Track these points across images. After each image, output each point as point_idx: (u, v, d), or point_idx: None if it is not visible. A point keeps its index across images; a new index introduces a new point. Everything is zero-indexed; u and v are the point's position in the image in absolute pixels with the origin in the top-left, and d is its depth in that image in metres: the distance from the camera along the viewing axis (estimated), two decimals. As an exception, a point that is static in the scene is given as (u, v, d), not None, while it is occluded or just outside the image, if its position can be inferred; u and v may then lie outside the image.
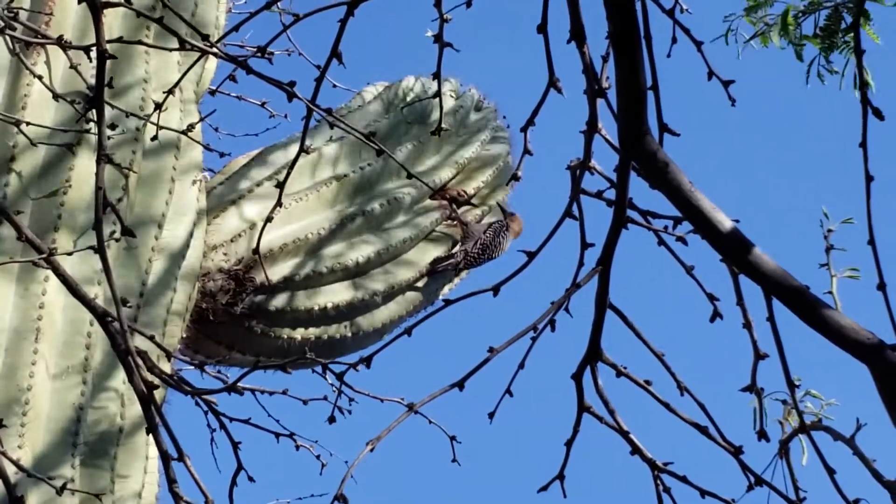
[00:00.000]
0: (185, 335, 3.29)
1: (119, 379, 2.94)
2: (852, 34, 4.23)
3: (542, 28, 2.30)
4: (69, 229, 2.98)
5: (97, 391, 2.95)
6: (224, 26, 3.47)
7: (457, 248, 3.81)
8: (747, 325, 2.51)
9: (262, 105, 4.09)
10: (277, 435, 3.50)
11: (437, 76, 2.56)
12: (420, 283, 3.77)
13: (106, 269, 2.25)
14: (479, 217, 3.93)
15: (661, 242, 2.56)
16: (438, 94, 2.68)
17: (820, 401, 3.32)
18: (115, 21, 3.15)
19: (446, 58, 2.52)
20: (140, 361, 2.25)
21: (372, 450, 2.32)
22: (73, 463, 2.86)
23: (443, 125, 2.72)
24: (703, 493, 2.45)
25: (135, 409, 2.92)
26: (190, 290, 3.27)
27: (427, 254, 3.77)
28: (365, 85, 3.99)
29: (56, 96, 2.70)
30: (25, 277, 2.92)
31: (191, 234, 3.25)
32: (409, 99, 3.89)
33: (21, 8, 3.02)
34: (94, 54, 2.20)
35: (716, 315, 2.57)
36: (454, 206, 3.84)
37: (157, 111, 2.46)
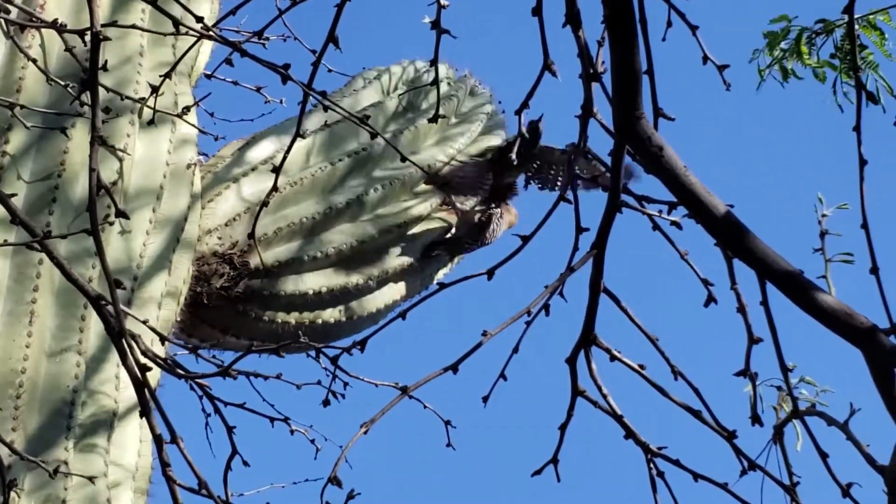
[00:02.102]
0: (179, 318, 3.29)
1: (113, 362, 2.94)
2: (867, 49, 4.26)
3: (538, 11, 2.30)
4: (63, 211, 2.97)
5: (91, 374, 2.94)
6: (220, 11, 3.47)
7: (451, 234, 3.82)
8: (741, 310, 2.51)
9: (258, 90, 4.07)
10: (272, 419, 3.51)
11: (433, 63, 2.55)
12: (414, 268, 3.77)
13: (100, 251, 2.25)
14: (473, 203, 3.92)
15: (656, 227, 2.57)
16: (436, 80, 2.68)
17: (814, 387, 3.33)
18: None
19: (442, 42, 2.52)
20: (134, 344, 2.25)
21: (366, 432, 2.32)
22: (66, 446, 2.86)
23: (441, 112, 2.71)
24: (697, 476, 2.46)
25: (129, 393, 2.92)
26: (187, 266, 3.27)
27: (422, 239, 3.77)
28: (360, 70, 3.99)
29: (50, 79, 2.70)
30: (20, 260, 2.92)
31: (188, 206, 3.25)
32: (403, 85, 3.89)
33: (15, -10, 3.01)
34: (88, 37, 2.20)
35: (710, 300, 2.57)
36: (449, 191, 3.83)
37: (154, 95, 2.45)
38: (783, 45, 4.31)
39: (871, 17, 4.07)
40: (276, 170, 2.67)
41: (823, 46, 4.31)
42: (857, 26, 4.12)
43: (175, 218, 3.22)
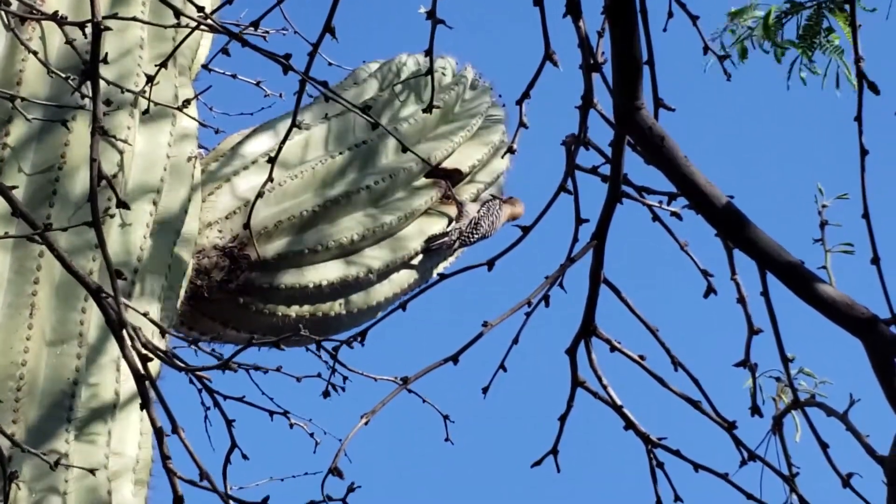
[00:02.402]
0: (179, 311, 3.30)
1: (114, 354, 2.94)
2: (833, 33, 4.25)
3: (539, 1, 2.30)
4: (64, 203, 2.97)
5: (92, 366, 2.95)
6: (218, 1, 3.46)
7: (451, 227, 3.82)
8: (741, 301, 2.51)
9: (257, 84, 4.07)
10: (271, 413, 3.51)
11: (429, 53, 2.55)
12: (415, 261, 3.78)
13: (101, 242, 2.25)
14: (474, 195, 3.93)
15: (656, 218, 2.56)
16: (430, 71, 2.67)
17: (813, 379, 3.33)
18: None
19: (442, 34, 2.51)
20: (134, 336, 2.25)
21: (367, 423, 2.32)
22: (67, 438, 2.86)
23: (438, 103, 2.71)
24: (697, 467, 2.46)
25: (129, 385, 2.92)
26: (187, 259, 3.27)
27: (422, 232, 3.78)
28: (360, 64, 3.99)
29: (51, 72, 2.70)
30: (21, 253, 2.92)
31: (188, 199, 3.25)
32: (403, 78, 3.89)
33: (16, -17, 3.01)
34: (88, 29, 2.20)
35: (710, 290, 2.57)
36: (449, 185, 3.84)
37: (150, 84, 2.45)
38: (750, 23, 4.31)
39: None
40: (272, 160, 2.66)
41: (787, 26, 4.31)
42: (824, 10, 4.12)
43: (175, 211, 3.22)
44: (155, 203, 3.16)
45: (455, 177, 3.89)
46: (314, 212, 3.58)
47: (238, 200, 3.52)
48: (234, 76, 4.17)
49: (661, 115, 2.37)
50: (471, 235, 3.80)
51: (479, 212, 3.83)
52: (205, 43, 3.49)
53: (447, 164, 3.87)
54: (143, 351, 2.26)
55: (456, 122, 3.94)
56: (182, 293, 3.31)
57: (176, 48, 2.52)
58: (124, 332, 2.20)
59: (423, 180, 3.80)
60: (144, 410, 2.20)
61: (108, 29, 2.16)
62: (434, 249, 3.79)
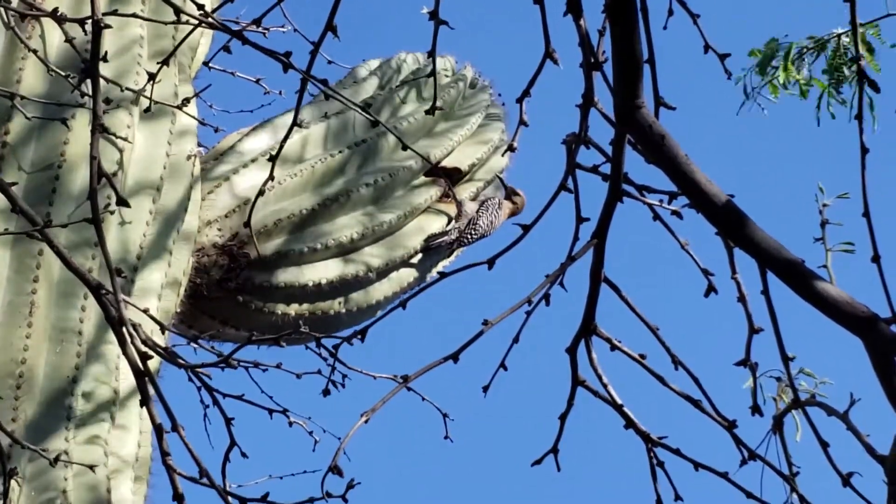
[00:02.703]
0: (178, 310, 3.29)
1: (113, 352, 2.94)
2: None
3: (539, -1, 2.29)
4: (63, 201, 2.97)
5: (91, 363, 2.94)
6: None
7: (451, 226, 3.82)
8: (742, 299, 2.51)
9: (257, 81, 4.07)
10: (271, 411, 3.50)
11: (431, 54, 2.55)
12: (414, 260, 3.77)
13: (101, 240, 2.25)
14: (473, 194, 3.93)
15: (656, 216, 2.56)
16: (433, 72, 2.67)
17: (814, 378, 3.33)
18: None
19: (442, 33, 2.51)
20: (134, 333, 2.25)
21: (366, 421, 2.31)
22: (67, 435, 2.86)
23: (438, 103, 2.71)
24: (697, 466, 2.46)
25: (129, 382, 2.91)
26: (187, 257, 3.27)
27: (421, 230, 3.77)
28: (360, 62, 3.99)
29: (50, 70, 2.69)
30: (20, 251, 2.92)
31: (188, 197, 3.24)
32: (403, 76, 3.89)
33: (16, -19, 3.01)
34: (88, 26, 2.20)
35: (710, 289, 2.57)
36: (448, 183, 3.84)
37: (151, 82, 2.45)
38: (773, 63, 4.34)
39: (861, 32, 4.08)
40: (273, 159, 2.66)
41: (815, 63, 4.34)
42: (845, 39, 4.13)
43: (175, 209, 3.22)
44: (154, 200, 3.16)
45: (454, 175, 3.89)
46: (313, 210, 3.58)
47: (237, 199, 3.51)
48: (233, 74, 4.16)
49: (662, 114, 2.37)
50: (470, 235, 3.80)
51: (478, 211, 3.83)
52: (204, 41, 3.49)
53: (447, 163, 3.87)
54: (143, 348, 2.26)
55: (455, 120, 3.94)
56: (182, 290, 3.30)
57: (177, 47, 2.52)
58: (124, 329, 2.20)
59: (422, 178, 3.80)
60: (144, 407, 2.20)
61: (108, 27, 2.16)
62: (433, 248, 3.78)
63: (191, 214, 3.30)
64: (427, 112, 2.73)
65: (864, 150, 2.22)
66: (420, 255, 3.79)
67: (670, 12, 2.48)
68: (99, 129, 2.19)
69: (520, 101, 2.40)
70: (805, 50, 4.32)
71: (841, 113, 4.36)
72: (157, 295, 3.16)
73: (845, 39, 4.27)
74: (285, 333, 2.52)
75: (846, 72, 4.25)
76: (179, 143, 3.26)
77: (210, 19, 2.32)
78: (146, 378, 2.19)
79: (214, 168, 3.58)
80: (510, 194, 3.94)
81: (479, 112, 3.98)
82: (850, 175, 2.33)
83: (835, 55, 4.27)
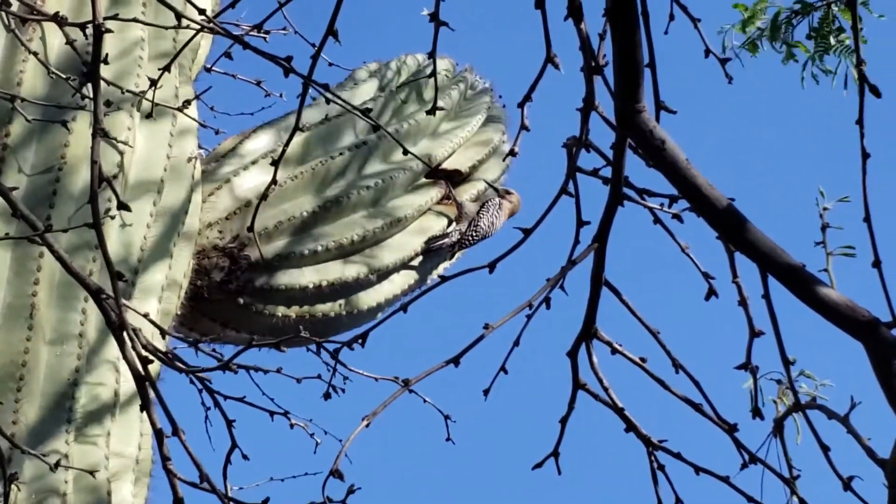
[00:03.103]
0: (179, 312, 3.29)
1: (114, 355, 2.94)
2: (844, 33, 4.25)
3: (541, 4, 2.29)
4: (64, 203, 2.97)
5: (92, 366, 2.95)
6: (220, 4, 3.46)
7: (451, 228, 3.82)
8: (743, 303, 2.50)
9: (258, 84, 4.06)
10: (272, 413, 3.50)
11: (431, 55, 2.54)
12: (415, 262, 3.77)
13: (102, 245, 2.25)
14: (473, 196, 3.93)
15: (657, 220, 2.55)
16: (433, 73, 2.67)
17: (814, 381, 3.33)
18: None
19: (443, 35, 2.51)
20: (134, 337, 2.25)
21: (367, 425, 2.31)
22: (67, 439, 2.86)
23: (440, 105, 2.71)
24: (698, 470, 2.45)
25: (130, 385, 2.91)
26: (187, 258, 3.27)
27: (422, 233, 3.77)
28: (361, 64, 3.99)
29: (51, 72, 2.69)
30: (20, 253, 2.92)
31: (189, 198, 3.24)
32: (403, 78, 3.89)
33: (17, -17, 3.01)
34: (90, 30, 2.20)
35: (711, 293, 2.56)
36: (449, 185, 3.83)
37: (153, 88, 2.45)
38: (760, 24, 4.31)
39: None
40: (276, 163, 2.66)
41: (798, 28, 4.31)
42: (835, 8, 4.12)
43: (176, 211, 3.22)
44: (155, 203, 3.16)
45: (455, 177, 3.89)
46: (314, 213, 3.58)
47: (238, 201, 3.51)
48: (234, 76, 4.15)
49: (663, 118, 2.37)
50: (471, 236, 3.80)
51: (478, 212, 3.83)
52: (205, 42, 3.49)
53: (447, 165, 3.87)
54: (144, 353, 2.26)
55: (456, 122, 3.94)
56: (183, 291, 3.30)
57: (177, 54, 2.52)
58: (125, 333, 2.20)
59: (423, 181, 3.80)
60: (144, 412, 2.20)
61: (108, 31, 2.16)
62: (434, 250, 3.78)
63: (191, 216, 3.30)
64: (428, 112, 2.73)
65: (866, 155, 2.22)
66: (421, 258, 3.79)
67: (671, 17, 2.48)
68: (100, 132, 2.18)
69: (521, 105, 2.39)
70: (793, 15, 4.30)
71: (821, 84, 4.33)
72: (158, 296, 3.16)
73: (834, 8, 4.24)
74: (286, 338, 2.52)
75: (832, 40, 4.23)
76: (180, 144, 3.27)
77: (211, 24, 2.32)
78: (146, 383, 2.19)
79: (215, 170, 3.58)
80: (503, 195, 3.94)
81: (480, 114, 3.98)
82: (850, 178, 2.33)
83: (822, 23, 4.24)
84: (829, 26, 4.24)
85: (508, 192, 3.94)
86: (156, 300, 3.15)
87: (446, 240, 3.79)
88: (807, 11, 4.27)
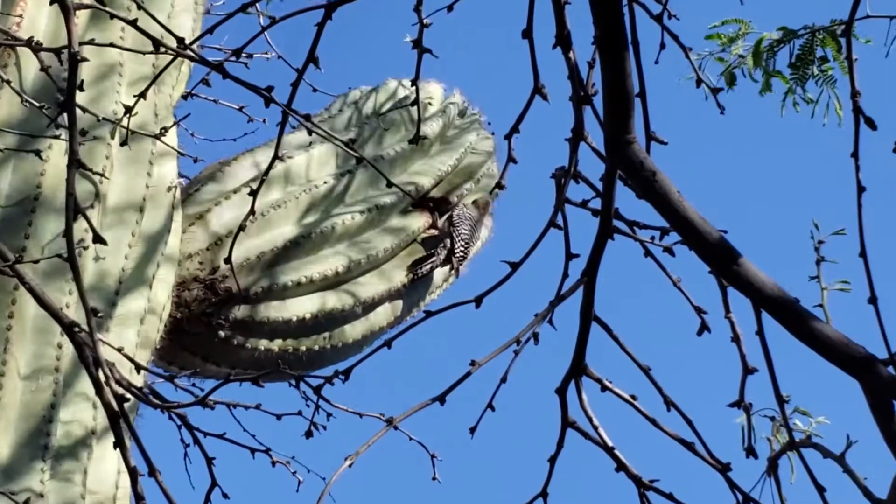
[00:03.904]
0: (159, 344, 3.22)
1: (90, 388, 2.86)
2: (827, 63, 4.21)
3: (528, 33, 2.25)
4: (39, 234, 2.91)
5: (67, 401, 2.88)
6: (202, 27, 3.41)
7: (437, 249, 3.74)
8: (736, 339, 2.45)
9: (240, 109, 4.00)
10: (253, 450, 3.44)
11: (414, 83, 2.51)
12: (401, 292, 3.70)
13: (77, 279, 2.18)
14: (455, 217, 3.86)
15: (648, 253, 2.51)
16: (416, 101, 2.63)
17: (809, 418, 3.27)
18: (84, 14, 3.08)
19: (431, 63, 2.48)
20: (109, 374, 2.18)
21: (351, 465, 2.26)
22: (42, 477, 2.79)
23: (424, 133, 2.67)
24: (690, 511, 2.40)
25: (107, 419, 2.85)
26: (169, 283, 3.20)
27: (407, 264, 3.71)
28: (345, 90, 3.94)
29: (24, 101, 2.64)
30: (-6, 285, 2.86)
31: (169, 224, 3.18)
32: (387, 106, 3.84)
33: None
34: (65, 56, 2.14)
35: (703, 328, 2.52)
36: (436, 215, 3.78)
37: (128, 115, 2.39)
38: (741, 51, 4.28)
39: (833, 28, 4.02)
40: (254, 193, 2.61)
41: (779, 56, 4.28)
42: (816, 38, 4.09)
43: (156, 234, 3.16)
44: (134, 233, 3.10)
45: (443, 206, 3.83)
46: (297, 242, 3.51)
47: (218, 232, 3.44)
48: (215, 101, 4.10)
49: (654, 149, 2.32)
50: (462, 247, 3.73)
51: (450, 227, 3.76)
52: (184, 70, 3.43)
53: (434, 193, 3.81)
54: (119, 389, 2.20)
55: (444, 150, 3.89)
56: (164, 316, 3.23)
57: (154, 80, 2.46)
58: (99, 371, 2.13)
59: (409, 210, 3.74)
60: (118, 450, 2.14)
61: (84, 60, 2.10)
62: (420, 277, 3.71)
63: (171, 246, 3.24)
64: (410, 141, 2.69)
65: (861, 189, 2.17)
66: (407, 287, 3.73)
67: (662, 46, 2.44)
68: (75, 164, 2.12)
69: (508, 137, 2.35)
70: (776, 43, 4.26)
71: (805, 113, 4.30)
72: (136, 327, 3.10)
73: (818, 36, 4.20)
74: (264, 373, 2.47)
75: (815, 70, 4.19)
76: (160, 168, 3.21)
77: (189, 51, 2.26)
78: (121, 420, 2.13)
79: (195, 199, 3.51)
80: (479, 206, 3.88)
81: (468, 142, 3.93)
82: (845, 209, 2.28)
83: (804, 49, 4.20)
84: (813, 55, 4.21)
85: (475, 201, 3.87)
86: (133, 331, 3.08)
87: (434, 259, 3.71)
88: (788, 39, 4.24)
